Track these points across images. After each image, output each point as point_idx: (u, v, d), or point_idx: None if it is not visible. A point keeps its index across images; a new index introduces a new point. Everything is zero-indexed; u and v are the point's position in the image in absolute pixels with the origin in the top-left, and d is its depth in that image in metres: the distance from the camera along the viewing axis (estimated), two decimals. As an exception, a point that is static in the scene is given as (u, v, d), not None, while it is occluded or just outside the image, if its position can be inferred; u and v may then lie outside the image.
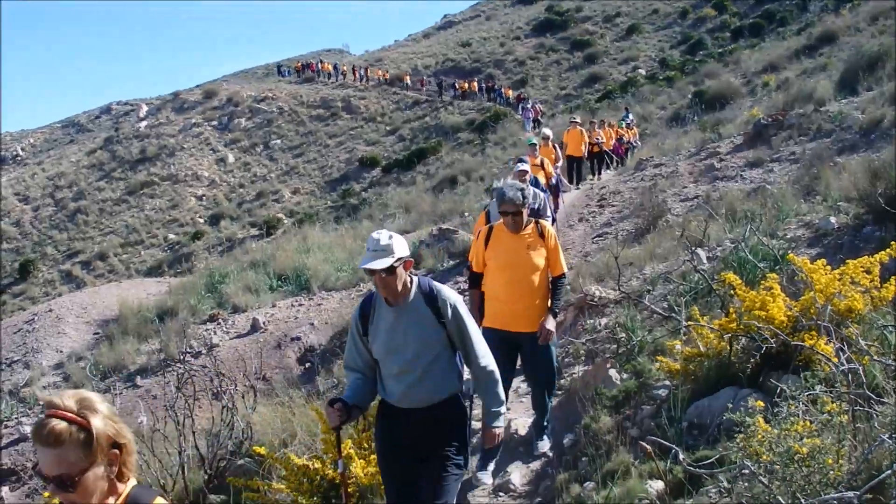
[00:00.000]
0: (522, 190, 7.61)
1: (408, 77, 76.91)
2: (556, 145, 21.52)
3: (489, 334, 6.98)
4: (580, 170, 26.71)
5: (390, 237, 5.29)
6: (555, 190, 17.96)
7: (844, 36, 35.37)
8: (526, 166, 13.56)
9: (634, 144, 34.31)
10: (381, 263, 5.20)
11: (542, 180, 16.12)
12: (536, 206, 12.21)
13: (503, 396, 5.74)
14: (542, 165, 17.11)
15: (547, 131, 21.51)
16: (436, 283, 5.57)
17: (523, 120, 51.89)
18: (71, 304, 23.65)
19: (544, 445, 8.36)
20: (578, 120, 27.43)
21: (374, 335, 5.51)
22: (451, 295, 5.49)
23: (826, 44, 36.55)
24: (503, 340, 7.56)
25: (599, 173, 28.93)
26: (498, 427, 5.66)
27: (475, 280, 8.22)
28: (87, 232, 61.86)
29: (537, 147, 17.95)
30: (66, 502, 3.03)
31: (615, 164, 30.71)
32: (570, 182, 26.08)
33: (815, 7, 55.93)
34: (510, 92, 63.42)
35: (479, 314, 7.93)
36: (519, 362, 8.34)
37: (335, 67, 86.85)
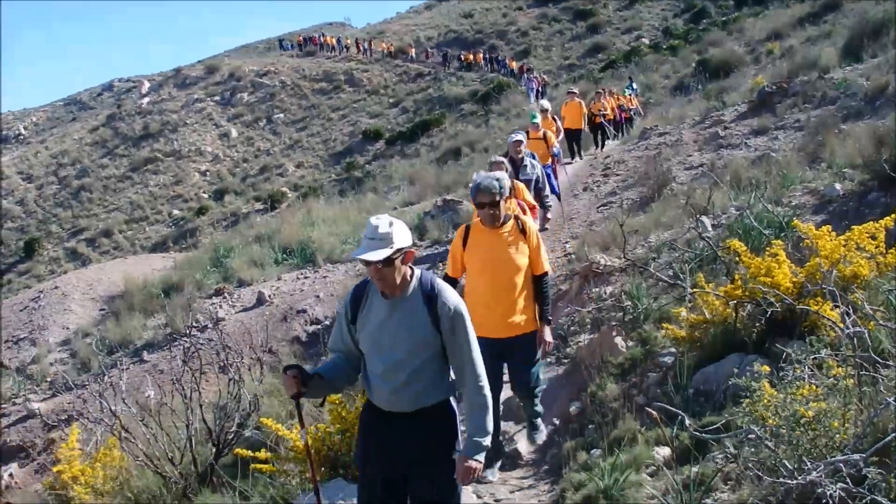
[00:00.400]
0: (499, 180, 7.04)
1: (412, 49, 76.42)
2: (555, 117, 21.66)
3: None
4: (579, 142, 25.84)
5: (391, 224, 4.67)
6: (555, 162, 17.89)
7: (848, 3, 35.05)
8: (520, 136, 13.88)
9: (637, 112, 34.19)
10: (377, 255, 4.61)
11: (544, 151, 16.67)
12: (534, 177, 12.93)
13: (490, 427, 4.90)
14: (544, 138, 17.16)
15: (545, 103, 21.60)
16: (440, 281, 4.93)
17: (527, 91, 51.65)
18: (77, 281, 23.68)
19: (540, 437, 7.98)
20: (576, 91, 26.83)
21: (363, 325, 4.91)
22: (454, 300, 4.82)
23: (830, 11, 36.30)
24: (491, 350, 6.65)
25: (603, 145, 28.02)
26: (476, 461, 4.80)
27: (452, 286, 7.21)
28: (92, 209, 61.88)
29: (539, 122, 17.92)
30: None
31: (615, 135, 30.35)
32: (571, 156, 25.51)
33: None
34: (514, 63, 63.04)
35: None
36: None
37: (338, 41, 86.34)
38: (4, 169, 71.17)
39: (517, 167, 13.26)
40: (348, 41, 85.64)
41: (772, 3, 55.61)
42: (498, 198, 7.03)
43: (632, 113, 33.91)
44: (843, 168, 12.42)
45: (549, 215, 15.31)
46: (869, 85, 17.49)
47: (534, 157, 14.33)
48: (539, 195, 13.55)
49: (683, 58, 46.92)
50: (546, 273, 7.41)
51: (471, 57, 69.93)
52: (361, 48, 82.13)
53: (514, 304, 7.16)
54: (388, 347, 4.80)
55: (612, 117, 29.75)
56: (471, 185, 7.31)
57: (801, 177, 12.92)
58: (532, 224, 7.52)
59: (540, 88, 52.01)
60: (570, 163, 23.89)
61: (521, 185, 11.50)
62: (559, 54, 70.22)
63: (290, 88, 75.64)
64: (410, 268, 4.87)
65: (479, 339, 5.48)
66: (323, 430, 7.27)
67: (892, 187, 10.17)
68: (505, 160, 12.35)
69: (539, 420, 7.92)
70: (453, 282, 7.30)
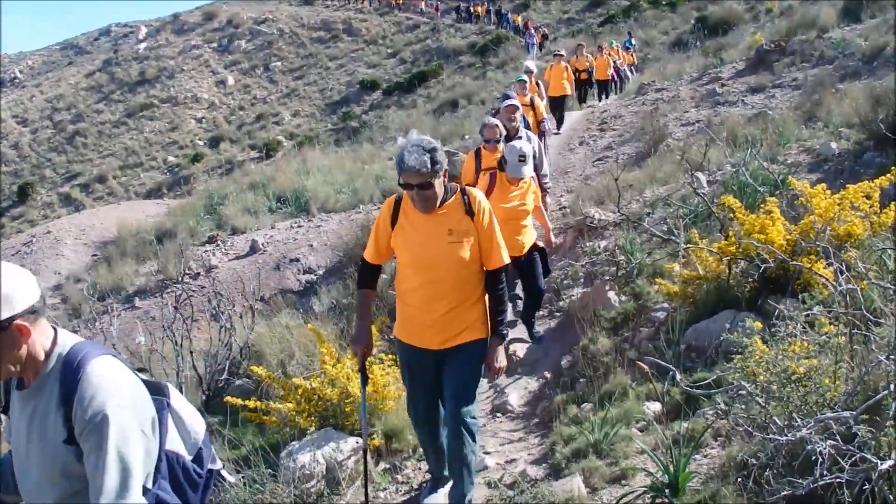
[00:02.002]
0: (433, 151, 5.22)
1: (423, 3, 75.55)
2: (539, 82, 19.51)
3: (399, 350, 5.86)
4: (563, 111, 23.20)
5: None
6: (543, 135, 15.54)
7: (849, -38, 34.91)
8: (515, 101, 11.64)
9: (626, 73, 33.71)
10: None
11: (531, 121, 14.71)
12: (530, 154, 9.91)
13: None
14: (531, 105, 15.26)
15: (530, 64, 19.71)
16: (85, 356, 3.13)
17: (528, 46, 51.15)
18: (69, 226, 23.63)
19: None
20: (563, 53, 24.52)
21: None
22: (101, 396, 2.99)
23: (831, -30, 36.11)
24: (417, 360, 5.71)
25: (584, 100, 27.97)
26: None
27: (365, 274, 5.91)
28: (86, 154, 61.63)
29: (527, 83, 16.07)
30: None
31: (599, 94, 29.82)
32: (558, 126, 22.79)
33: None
34: (519, 18, 62.28)
35: (363, 321, 5.76)
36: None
37: None
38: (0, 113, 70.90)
39: (510, 139, 10.37)
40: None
41: (773, -39, 55.27)
42: (431, 177, 5.25)
43: (626, 70, 33.68)
44: (839, 127, 12.44)
45: (547, 199, 11.87)
46: (867, 45, 17.46)
47: (527, 126, 12.67)
48: (536, 172, 10.52)
49: (682, 14, 46.63)
50: (503, 267, 5.62)
51: (479, 9, 69.30)
52: None
53: (454, 312, 5.54)
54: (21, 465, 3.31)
55: (605, 77, 29.19)
56: (395, 156, 5.51)
57: (798, 135, 12.92)
58: (483, 200, 5.57)
59: (541, 43, 51.71)
60: (556, 133, 22.02)
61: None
62: (558, 8, 69.62)
63: (287, 37, 75.19)
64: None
65: (404, 345, 5.75)
66: (316, 382, 7.27)
67: (888, 147, 10.18)
68: (499, 124, 10.10)
69: (466, 479, 5.64)
70: (372, 270, 5.89)
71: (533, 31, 51.69)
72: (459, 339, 5.57)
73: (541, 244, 9.11)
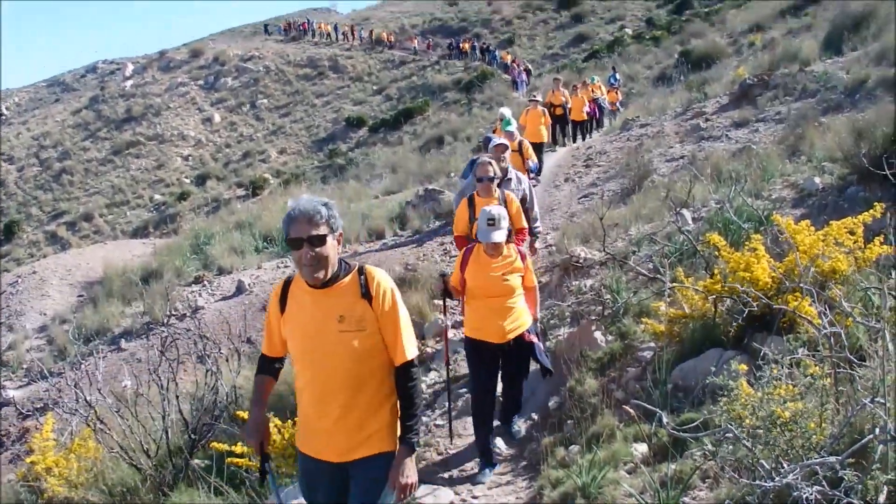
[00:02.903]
0: (328, 205, 4.46)
1: (416, 41, 75.67)
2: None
3: (299, 459, 4.98)
4: (540, 156, 20.20)
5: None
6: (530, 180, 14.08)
7: (830, -6, 35.23)
8: (503, 140, 11.28)
9: (607, 110, 33.03)
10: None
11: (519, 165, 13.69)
12: (520, 195, 10.43)
13: None
14: (520, 149, 14.60)
15: (505, 111, 17.43)
16: None
17: (517, 82, 51.10)
18: (55, 266, 23.54)
19: None
20: (539, 98, 22.86)
21: None
22: None
23: (811, 3, 36.29)
24: (314, 473, 4.82)
25: (561, 140, 26.50)
26: None
27: (264, 365, 5.00)
28: (73, 192, 61.62)
29: (514, 130, 14.79)
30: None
31: (574, 134, 28.03)
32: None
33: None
34: (508, 56, 62.16)
35: (258, 410, 4.91)
36: None
37: (335, 28, 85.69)
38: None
39: (500, 180, 10.17)
40: (346, 27, 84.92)
41: (754, -5, 55.82)
42: (324, 229, 4.39)
43: (607, 106, 33.00)
44: (822, 161, 12.49)
45: (536, 244, 11.72)
46: (849, 78, 17.57)
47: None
48: (527, 216, 10.33)
49: (666, 48, 47.04)
50: (411, 363, 4.64)
51: (466, 46, 69.55)
52: (357, 35, 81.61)
53: (352, 417, 4.63)
54: None
55: (580, 117, 27.65)
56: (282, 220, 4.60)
57: (781, 170, 12.97)
58: (384, 280, 4.62)
59: (517, 77, 51.92)
60: (535, 182, 21.29)
61: (516, 202, 9.65)
62: (543, 43, 70.17)
63: (274, 74, 75.49)
64: None
65: (305, 456, 4.82)
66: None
67: (871, 181, 10.20)
68: (493, 162, 9.54)
69: None
70: (272, 360, 4.99)
71: (522, 68, 51.88)
72: (361, 451, 4.65)
73: (533, 337, 7.73)
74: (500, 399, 8.45)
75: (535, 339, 7.78)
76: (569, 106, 25.99)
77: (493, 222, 7.40)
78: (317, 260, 4.39)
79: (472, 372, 7.98)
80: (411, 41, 75.35)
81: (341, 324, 4.49)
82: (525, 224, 9.85)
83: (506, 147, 11.01)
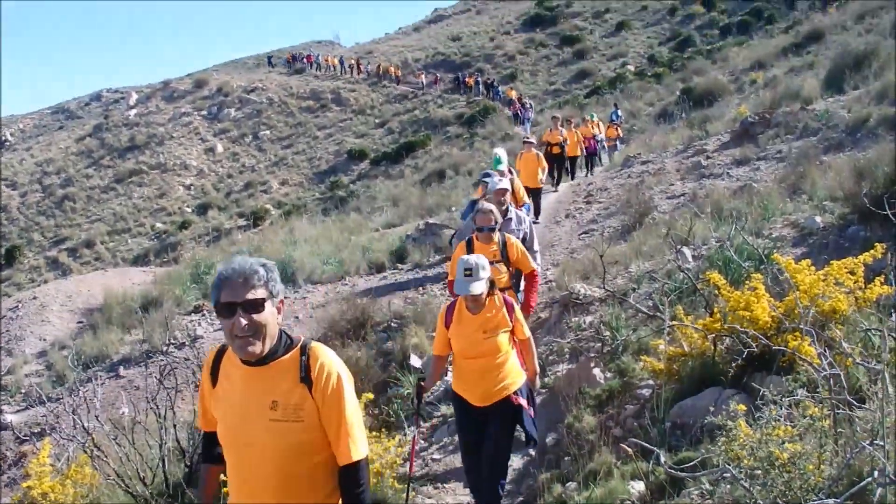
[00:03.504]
0: (266, 266, 3.76)
1: (422, 76, 75.71)
2: (511, 169, 16.56)
3: None
4: (538, 200, 19.79)
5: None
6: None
7: (832, 34, 35.34)
8: (505, 184, 10.76)
9: (603, 146, 32.35)
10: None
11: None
12: (521, 235, 10.13)
13: None
14: (512, 189, 12.64)
15: (500, 152, 15.15)
16: None
17: (522, 118, 50.85)
18: (55, 292, 23.53)
19: None
20: (533, 141, 21.53)
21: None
22: None
23: (813, 42, 36.52)
24: None
25: (558, 180, 25.37)
26: None
27: (206, 446, 4.29)
28: (75, 219, 61.72)
29: (505, 169, 14.00)
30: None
31: (571, 170, 27.80)
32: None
33: (803, 5, 55.96)
34: (512, 93, 61.84)
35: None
36: None
37: (341, 61, 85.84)
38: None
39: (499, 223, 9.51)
40: (352, 61, 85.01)
41: (756, 33, 56.13)
42: (262, 293, 3.67)
43: (604, 142, 32.51)
44: (823, 200, 12.48)
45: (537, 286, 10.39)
46: (850, 116, 17.61)
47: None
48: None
49: (668, 85, 47.16)
50: (358, 464, 3.81)
51: (469, 80, 69.63)
52: (363, 69, 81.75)
53: None
54: None
55: (574, 153, 26.90)
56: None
57: (782, 208, 12.96)
58: (331, 362, 3.82)
59: (521, 114, 51.96)
60: (535, 222, 19.52)
61: (518, 244, 9.05)
62: (545, 79, 70.43)
63: (277, 105, 75.71)
64: None
65: None
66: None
67: (872, 221, 10.20)
68: (495, 210, 8.92)
69: None
70: (213, 443, 4.12)
71: (528, 105, 51.79)
72: None
73: (521, 400, 6.90)
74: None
75: (523, 403, 6.92)
76: (567, 144, 25.03)
77: (470, 273, 6.68)
78: (253, 329, 3.63)
79: (458, 427, 7.49)
80: (418, 76, 75.32)
81: (273, 411, 3.71)
82: (535, 266, 9.26)
83: (506, 190, 10.61)
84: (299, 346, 3.83)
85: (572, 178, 27.41)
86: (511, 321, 6.97)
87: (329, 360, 3.80)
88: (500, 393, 6.84)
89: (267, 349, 3.71)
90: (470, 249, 8.61)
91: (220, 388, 3.94)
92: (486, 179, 11.98)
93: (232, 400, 3.84)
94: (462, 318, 6.92)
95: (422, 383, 7.22)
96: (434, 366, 7.37)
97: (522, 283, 9.50)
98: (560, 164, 25.36)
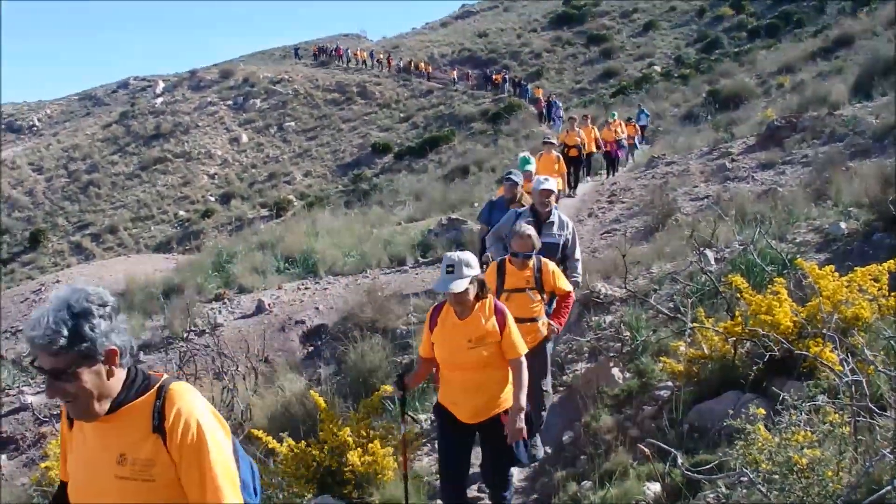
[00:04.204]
0: (84, 315, 3.04)
1: (454, 72, 75.15)
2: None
3: None
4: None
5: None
6: None
7: (861, 39, 35.17)
8: (551, 183, 9.42)
9: (626, 144, 30.46)
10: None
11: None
12: (562, 242, 9.18)
13: None
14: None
15: (527, 155, 14.85)
16: None
17: (553, 117, 49.84)
18: (78, 277, 23.59)
19: None
20: (554, 142, 21.32)
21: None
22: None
23: (842, 47, 36.33)
24: None
25: (576, 185, 24.16)
26: None
27: (57, 499, 3.50)
28: (99, 205, 61.99)
29: (533, 170, 13.36)
30: None
31: (586, 173, 26.17)
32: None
33: (833, 9, 55.67)
34: (540, 92, 61.22)
35: None
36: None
37: (371, 55, 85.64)
38: (16, 159, 71.50)
39: (540, 223, 9.03)
40: (381, 55, 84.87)
41: (784, 37, 55.84)
42: (67, 358, 2.93)
43: (624, 142, 30.12)
44: (848, 207, 12.43)
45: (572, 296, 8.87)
46: (878, 123, 17.54)
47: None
48: (566, 262, 9.23)
49: (694, 87, 47.00)
50: None
51: (497, 77, 69.32)
52: (393, 65, 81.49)
53: None
54: None
55: (591, 150, 25.40)
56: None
57: (807, 214, 12.92)
58: (192, 407, 3.13)
59: (547, 112, 51.75)
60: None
61: (554, 269, 8.09)
62: (571, 78, 70.27)
63: (302, 97, 75.78)
64: None
65: None
66: (315, 448, 7.24)
67: (898, 229, 10.16)
68: (534, 235, 7.91)
69: None
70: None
71: (556, 104, 51.50)
72: None
73: (520, 425, 6.05)
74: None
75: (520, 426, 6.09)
76: (583, 146, 23.89)
77: (452, 269, 5.99)
78: (73, 397, 2.97)
79: (439, 446, 6.67)
80: (450, 73, 74.98)
81: (121, 467, 3.03)
82: (568, 287, 8.19)
83: (551, 192, 9.28)
84: (156, 387, 3.13)
85: (589, 177, 26.77)
86: (500, 333, 6.12)
87: (188, 405, 3.09)
88: (490, 410, 6.21)
89: (105, 408, 3.04)
90: (501, 274, 7.89)
91: (74, 436, 3.26)
92: (513, 177, 11.30)
93: (81, 451, 3.19)
94: (447, 322, 6.23)
95: (405, 380, 6.53)
96: (420, 366, 6.71)
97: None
98: (577, 166, 24.19)
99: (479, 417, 6.19)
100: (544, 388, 7.99)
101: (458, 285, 5.89)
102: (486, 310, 6.16)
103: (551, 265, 8.04)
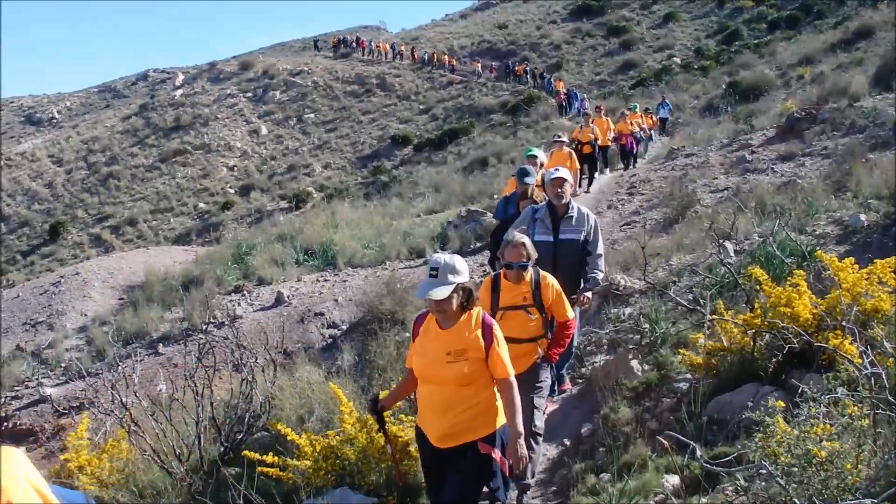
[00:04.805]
0: None
1: (478, 64, 74.63)
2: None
3: None
4: None
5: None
6: None
7: (881, 31, 35.00)
8: (563, 172, 8.79)
9: (643, 137, 29.78)
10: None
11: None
12: (582, 238, 8.59)
13: None
14: (543, 185, 11.13)
15: (538, 153, 14.28)
16: None
17: (579, 109, 49.15)
18: (98, 269, 23.75)
19: None
20: (565, 139, 19.50)
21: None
22: None
23: (862, 38, 36.16)
24: None
25: (591, 182, 23.12)
26: None
27: None
28: (118, 197, 62.17)
29: (539, 159, 13.34)
30: None
31: (601, 167, 25.71)
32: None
33: (853, 1, 55.36)
34: (561, 84, 60.64)
35: None
36: None
37: (392, 47, 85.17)
38: (36, 151, 71.86)
39: (557, 219, 8.62)
40: (402, 48, 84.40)
41: (804, 28, 55.61)
42: None
43: (640, 136, 29.10)
44: (868, 199, 12.38)
45: (588, 295, 8.63)
46: (899, 115, 17.44)
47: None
48: (586, 259, 8.65)
49: (714, 79, 46.85)
50: None
51: (519, 69, 69.11)
52: (417, 57, 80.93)
53: None
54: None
55: (604, 143, 24.65)
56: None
57: (827, 205, 12.87)
58: None
59: (568, 105, 51.70)
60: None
61: (554, 284, 7.17)
62: (591, 69, 70.07)
63: (322, 89, 75.81)
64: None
65: None
66: (333, 439, 7.26)
67: (919, 221, 10.11)
68: (527, 243, 7.08)
69: None
70: None
71: (578, 96, 51.19)
72: None
73: (494, 452, 5.52)
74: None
75: (495, 454, 5.55)
76: (598, 142, 23.37)
77: (435, 273, 5.43)
78: None
79: (422, 466, 6.18)
80: (474, 64, 74.65)
81: None
82: (569, 314, 7.24)
83: (564, 180, 8.60)
84: None
85: (604, 172, 26.01)
86: (486, 349, 5.51)
87: None
88: (463, 435, 5.52)
89: None
90: (496, 290, 7.16)
91: None
92: (527, 179, 11.05)
93: None
94: (429, 331, 5.69)
95: (379, 402, 6.07)
96: (404, 380, 6.13)
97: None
98: (592, 164, 23.23)
99: (447, 442, 5.53)
100: (536, 406, 7.09)
101: (439, 292, 5.35)
102: (471, 321, 5.56)
103: (551, 279, 7.17)
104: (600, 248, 8.65)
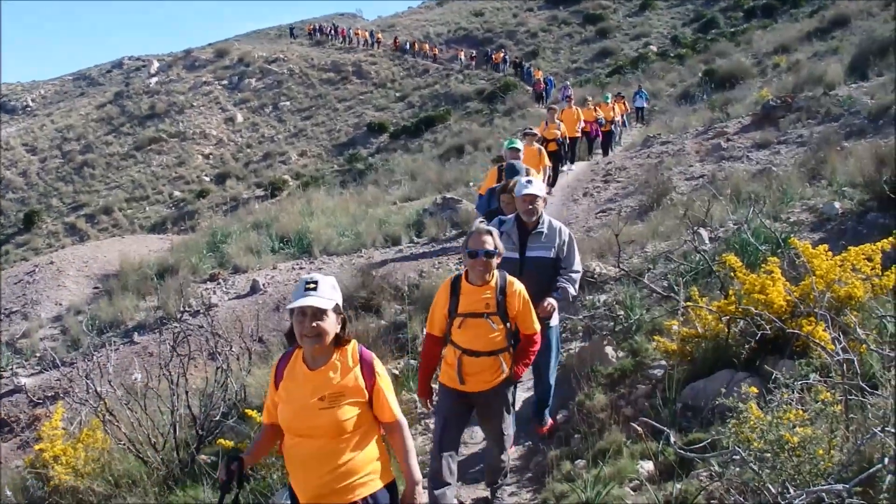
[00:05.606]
0: None
1: (462, 52, 73.78)
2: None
3: None
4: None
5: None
6: None
7: (857, 20, 35.16)
8: (536, 187, 7.72)
9: (617, 123, 29.91)
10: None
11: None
12: (553, 254, 7.66)
13: None
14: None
15: (520, 145, 14.43)
16: None
17: (563, 97, 48.49)
18: (72, 258, 23.61)
19: None
20: (536, 132, 18.19)
21: None
22: None
23: (838, 27, 36.31)
24: None
25: (554, 181, 21.17)
26: None
27: None
28: (93, 185, 61.83)
29: (522, 152, 13.46)
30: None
31: (567, 161, 24.51)
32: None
33: (829, -10, 55.63)
34: (540, 73, 60.11)
35: None
36: None
37: (371, 35, 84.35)
38: (10, 140, 71.35)
39: (526, 234, 7.68)
40: (380, 36, 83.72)
41: (781, 17, 55.77)
42: None
43: (612, 126, 29.02)
44: (843, 186, 12.45)
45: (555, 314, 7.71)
46: (873, 103, 17.56)
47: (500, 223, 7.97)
48: (560, 273, 7.67)
49: (690, 67, 46.92)
50: None
51: (497, 56, 68.89)
52: (398, 45, 79.94)
53: None
54: None
55: (573, 133, 23.58)
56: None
57: (801, 193, 12.94)
58: None
59: (541, 92, 51.55)
60: None
61: (521, 291, 6.47)
62: (567, 57, 70.06)
63: (297, 77, 75.58)
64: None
65: None
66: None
67: (892, 208, 10.19)
68: (493, 232, 6.43)
69: None
70: None
71: (556, 84, 51.00)
72: None
73: (420, 500, 4.82)
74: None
75: None
76: (564, 140, 22.13)
77: (314, 286, 4.55)
78: None
79: None
80: (458, 52, 74.32)
81: None
82: (534, 326, 6.54)
83: (536, 197, 7.57)
84: None
85: (572, 168, 25.10)
86: (368, 389, 4.68)
87: None
88: (342, 494, 4.58)
89: None
90: (455, 294, 6.41)
91: None
92: (514, 163, 10.92)
93: None
94: (295, 373, 4.73)
95: (236, 463, 4.75)
96: (262, 435, 5.00)
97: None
98: (556, 163, 21.29)
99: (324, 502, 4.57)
100: (505, 432, 6.58)
101: (321, 301, 4.49)
102: (347, 357, 4.69)
103: (519, 286, 6.46)
104: (577, 265, 7.77)
